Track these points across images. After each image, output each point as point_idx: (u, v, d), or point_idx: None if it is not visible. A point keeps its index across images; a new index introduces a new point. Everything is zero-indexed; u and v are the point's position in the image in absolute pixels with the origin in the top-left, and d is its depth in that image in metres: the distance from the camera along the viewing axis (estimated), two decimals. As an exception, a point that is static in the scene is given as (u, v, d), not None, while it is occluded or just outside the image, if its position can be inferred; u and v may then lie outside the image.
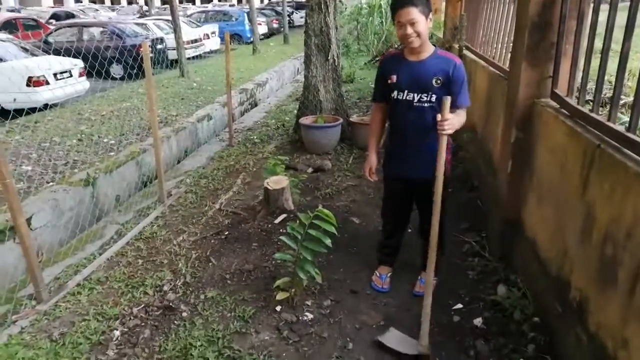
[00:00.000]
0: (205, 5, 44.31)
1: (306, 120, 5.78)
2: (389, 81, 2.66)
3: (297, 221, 2.84)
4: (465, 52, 5.49)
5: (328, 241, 2.74)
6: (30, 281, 3.12)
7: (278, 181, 4.07)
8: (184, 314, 2.90)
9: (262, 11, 24.85)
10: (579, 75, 2.48)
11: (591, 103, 2.30)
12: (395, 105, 2.69)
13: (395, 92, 2.65)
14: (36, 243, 3.55)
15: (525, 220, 2.97)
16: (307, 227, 2.75)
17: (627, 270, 1.74)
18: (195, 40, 14.78)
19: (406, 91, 2.62)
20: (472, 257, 3.37)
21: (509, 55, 3.47)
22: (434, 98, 2.55)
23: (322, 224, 2.72)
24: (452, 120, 2.39)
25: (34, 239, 3.48)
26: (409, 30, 2.43)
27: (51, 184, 4.34)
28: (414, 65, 2.59)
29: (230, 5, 42.21)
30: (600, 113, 2.24)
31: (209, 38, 15.92)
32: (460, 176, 4.71)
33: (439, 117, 2.37)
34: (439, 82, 2.54)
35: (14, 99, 7.06)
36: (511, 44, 3.41)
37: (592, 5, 2.40)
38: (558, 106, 2.64)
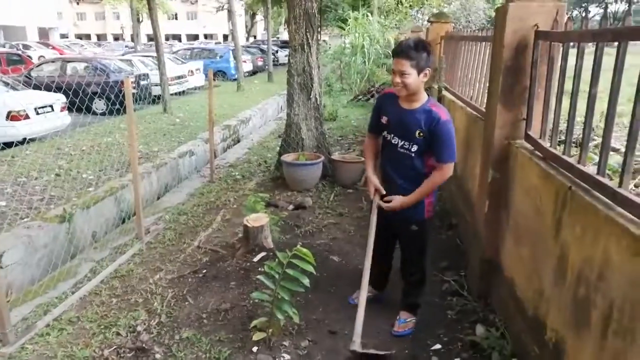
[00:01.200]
0: (192, 42, 45.04)
1: (288, 157, 5.82)
2: (382, 120, 2.80)
3: (276, 260, 2.81)
4: (445, 92, 5.64)
5: (306, 281, 2.71)
6: (-3, 322, 3.00)
7: (258, 219, 4.05)
8: (157, 356, 2.80)
9: (247, 49, 25.33)
10: (551, 117, 2.56)
11: (563, 145, 2.37)
12: (384, 142, 2.84)
13: (385, 132, 2.80)
14: (6, 281, 3.44)
15: (503, 259, 2.99)
16: (285, 266, 2.73)
17: (600, 312, 1.76)
18: (180, 77, 14.92)
19: (393, 134, 2.73)
20: (451, 296, 3.36)
21: (485, 96, 3.58)
22: (414, 148, 2.65)
23: (300, 263, 2.70)
24: (396, 201, 2.66)
25: (4, 277, 3.37)
26: (398, 79, 2.54)
27: (25, 220, 4.25)
28: (403, 112, 2.68)
29: (216, 43, 42.99)
30: (572, 155, 2.31)
31: (193, 74, 16.09)
32: (440, 214, 4.74)
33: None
34: (421, 134, 2.62)
35: (-8, 133, 6.99)
36: (487, 86, 3.52)
37: (561, 50, 2.51)
38: (532, 148, 2.71)
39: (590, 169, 2.07)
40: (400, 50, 2.52)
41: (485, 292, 3.18)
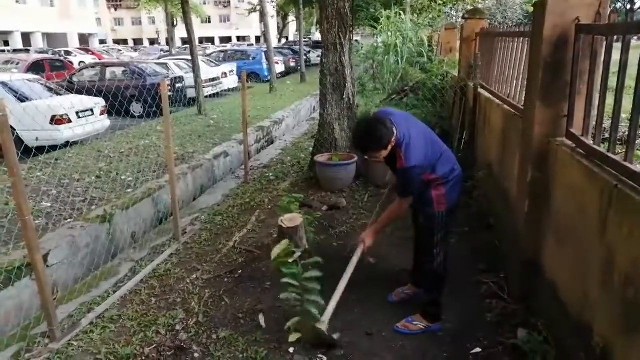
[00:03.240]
0: (225, 44, 45.71)
1: (321, 157, 5.82)
2: None
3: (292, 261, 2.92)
4: (480, 90, 5.52)
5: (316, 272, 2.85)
6: (44, 319, 3.12)
7: (292, 219, 4.06)
8: (196, 355, 2.86)
9: (280, 50, 25.49)
10: (594, 114, 2.47)
11: (607, 142, 2.28)
12: None
13: None
14: (52, 280, 3.57)
15: (544, 261, 2.90)
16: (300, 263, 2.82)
17: (652, 317, 1.68)
18: (214, 79, 15.15)
19: None
20: (491, 299, 3.28)
21: (524, 93, 3.48)
22: None
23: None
24: (367, 239, 2.97)
25: (50, 276, 3.50)
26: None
27: (69, 220, 4.40)
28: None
29: (249, 45, 43.49)
30: (617, 152, 2.22)
31: (226, 76, 16.30)
32: (476, 215, 4.65)
33: None
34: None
35: (36, 138, 7.26)
36: (525, 83, 3.42)
37: (604, 44, 2.41)
38: (574, 145, 2.61)
39: (638, 167, 1.98)
40: (361, 150, 2.82)
41: (526, 294, 3.09)
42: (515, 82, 4.12)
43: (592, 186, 2.23)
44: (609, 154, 2.19)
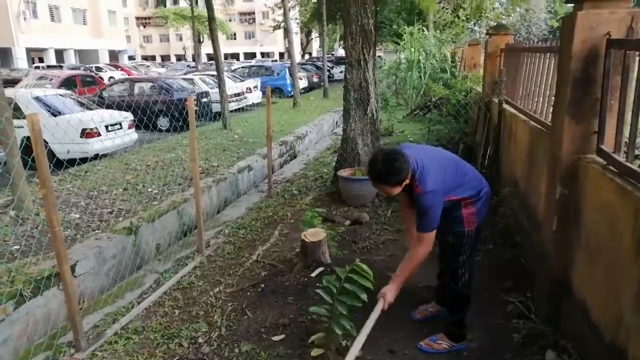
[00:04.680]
0: (249, 60, 46.47)
1: (344, 172, 5.82)
2: None
3: (334, 275, 2.80)
4: (505, 106, 5.46)
5: (364, 295, 2.67)
6: (70, 328, 3.17)
7: (315, 233, 4.06)
8: (218, 368, 2.85)
9: (303, 66, 25.77)
10: (627, 130, 2.41)
11: (641, 160, 2.22)
12: None
13: None
14: (78, 290, 3.63)
15: (573, 281, 2.82)
16: (343, 280, 2.71)
17: (691, 341, 1.61)
18: (238, 94, 15.37)
19: None
20: (517, 319, 3.20)
21: (551, 109, 3.43)
22: None
23: (359, 278, 2.67)
24: (389, 294, 2.64)
25: (77, 286, 3.56)
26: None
27: (96, 231, 4.48)
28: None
29: (272, 61, 44.10)
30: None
31: (251, 92, 16.53)
32: (502, 232, 4.57)
33: None
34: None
35: (68, 150, 7.46)
36: (552, 98, 3.37)
37: (637, 59, 2.37)
38: (605, 163, 2.55)
39: (674, 186, 1.92)
40: (376, 180, 2.57)
41: (555, 315, 3.00)
42: (542, 97, 4.07)
43: (625, 204, 2.17)
44: (643, 172, 2.13)
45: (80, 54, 42.38)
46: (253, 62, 38.26)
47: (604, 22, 2.59)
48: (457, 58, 13.62)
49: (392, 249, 4.45)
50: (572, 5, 2.85)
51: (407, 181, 2.54)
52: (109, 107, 10.06)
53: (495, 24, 10.64)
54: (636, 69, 2.34)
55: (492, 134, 5.90)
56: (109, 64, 33.38)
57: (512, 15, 19.50)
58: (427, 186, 2.53)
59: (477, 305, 3.17)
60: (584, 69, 2.69)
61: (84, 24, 42.54)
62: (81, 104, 9.10)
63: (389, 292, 2.67)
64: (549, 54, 3.88)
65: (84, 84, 15.62)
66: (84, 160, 6.21)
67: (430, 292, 3.46)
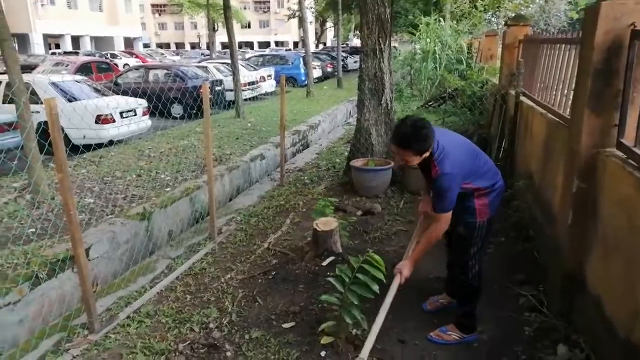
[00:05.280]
0: (263, 49, 46.39)
1: (357, 162, 5.80)
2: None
3: (346, 264, 2.80)
4: (522, 98, 5.38)
5: (376, 287, 2.67)
6: (84, 310, 3.21)
7: (327, 223, 4.05)
8: (228, 354, 2.88)
9: (317, 55, 25.62)
10: (648, 124, 2.36)
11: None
12: None
13: None
14: (92, 273, 3.68)
15: (588, 275, 2.78)
16: (355, 270, 2.71)
17: None
18: (252, 83, 15.35)
19: None
20: (529, 312, 3.17)
21: (569, 102, 3.37)
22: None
23: (371, 269, 2.67)
24: (405, 270, 2.68)
25: (91, 269, 3.61)
26: (399, 159, 2.66)
27: (110, 216, 4.53)
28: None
29: (287, 50, 43.98)
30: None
31: (265, 80, 16.50)
32: (515, 225, 4.52)
33: None
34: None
35: (84, 136, 7.54)
36: (572, 91, 3.31)
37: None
38: (625, 156, 2.50)
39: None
40: (400, 144, 2.53)
41: (567, 309, 2.98)
42: (561, 90, 4.00)
43: (644, 199, 2.13)
44: (664, 166, 2.09)
45: (96, 40, 42.67)
46: (267, 51, 38.18)
47: (629, 13, 2.53)
48: (473, 49, 13.43)
49: (403, 240, 4.42)
50: (596, -5, 2.78)
51: (427, 154, 2.53)
52: (124, 93, 10.11)
53: (513, 14, 10.46)
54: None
55: (507, 127, 5.83)
56: (123, 51, 33.57)
57: (531, 6, 19.17)
58: (445, 168, 2.52)
59: (488, 297, 3.15)
60: (606, 60, 2.63)
61: (100, 11, 42.78)
62: (96, 90, 9.16)
63: (405, 268, 2.71)
64: (569, 45, 3.81)
65: (100, 71, 15.72)
66: (98, 145, 6.27)
67: (440, 283, 3.45)
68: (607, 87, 2.66)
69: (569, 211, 2.94)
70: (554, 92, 4.21)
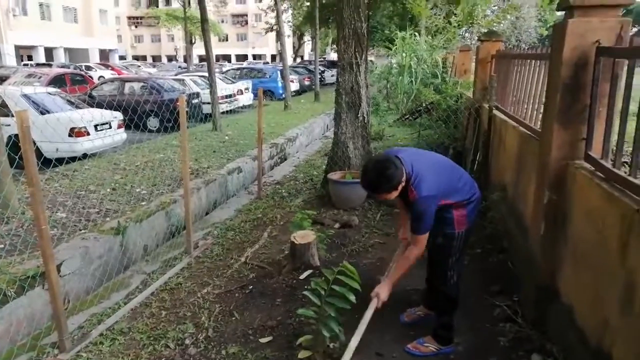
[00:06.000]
0: (241, 62, 46.39)
1: (335, 175, 5.82)
2: None
3: (322, 277, 2.80)
4: (495, 112, 5.51)
5: (352, 297, 2.68)
6: (54, 329, 3.13)
7: (305, 236, 4.05)
8: (204, 370, 2.83)
9: (295, 69, 25.73)
10: (614, 137, 2.44)
11: (627, 166, 2.24)
12: None
13: None
14: (64, 290, 3.59)
15: (560, 285, 2.84)
16: (331, 282, 2.71)
17: (675, 346, 1.63)
18: (230, 96, 15.30)
19: None
20: (504, 322, 3.22)
21: (540, 115, 3.46)
22: None
23: (346, 279, 2.68)
24: (382, 292, 2.72)
25: (62, 286, 3.52)
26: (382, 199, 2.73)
27: (83, 231, 4.43)
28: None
29: (264, 63, 44.07)
30: (638, 176, 2.18)
31: (242, 94, 16.47)
32: (490, 237, 4.59)
33: None
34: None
35: (57, 149, 7.38)
36: (542, 105, 3.40)
37: (625, 68, 2.40)
38: (593, 169, 2.58)
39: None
40: (371, 191, 2.64)
41: (541, 319, 3.03)
42: (532, 104, 4.10)
43: (612, 210, 2.19)
44: (630, 178, 2.16)
45: (71, 52, 42.00)
46: (245, 64, 38.17)
47: (593, 30, 2.62)
48: (448, 64, 13.70)
49: (381, 252, 4.45)
50: (564, 13, 2.88)
51: (403, 184, 2.56)
52: (98, 106, 9.95)
53: (486, 30, 10.72)
54: (624, 76, 2.37)
55: (481, 140, 5.94)
56: (99, 63, 33.10)
57: (502, 22, 19.68)
58: (422, 191, 2.55)
59: (464, 308, 3.18)
60: (573, 75, 2.72)
61: (75, 22, 42.15)
62: (70, 103, 8.99)
63: (382, 291, 2.73)
64: (539, 60, 3.92)
65: (74, 83, 15.47)
66: (72, 159, 6.15)
67: (418, 295, 3.47)
68: (575, 102, 2.75)
69: (541, 222, 3.00)
70: (526, 106, 4.32)
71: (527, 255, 3.32)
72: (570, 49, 2.69)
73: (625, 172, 2.25)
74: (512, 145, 4.52)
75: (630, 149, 2.25)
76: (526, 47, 7.50)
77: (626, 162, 2.68)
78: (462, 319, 3.13)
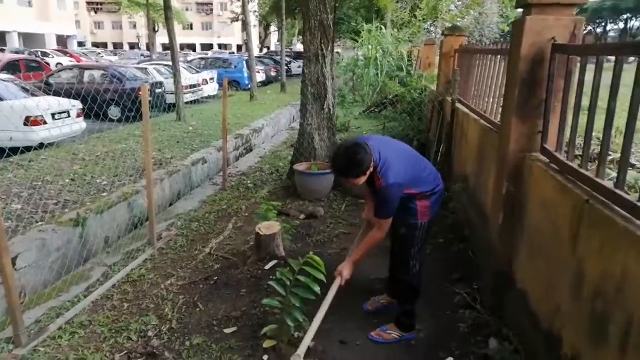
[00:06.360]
0: (206, 52, 45.57)
1: (300, 166, 5.83)
2: None
3: (287, 267, 2.82)
4: (458, 105, 5.63)
5: (317, 288, 2.71)
6: (9, 323, 3.02)
7: (270, 226, 4.05)
8: (168, 362, 2.81)
9: (261, 59, 25.50)
10: (568, 131, 2.55)
11: (580, 158, 2.35)
12: None
13: None
14: (19, 284, 3.47)
15: (516, 272, 2.96)
16: (296, 273, 2.73)
17: (618, 326, 1.73)
18: (194, 85, 15.05)
19: None
20: (464, 309, 3.32)
21: (500, 109, 3.57)
22: None
23: (311, 270, 2.70)
24: (345, 271, 2.81)
25: (17, 279, 3.41)
26: (350, 184, 2.78)
27: (40, 223, 4.29)
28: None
29: (230, 53, 43.45)
30: (589, 168, 2.29)
31: (207, 83, 16.23)
32: (452, 226, 4.72)
33: None
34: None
35: (10, 138, 7.09)
36: (502, 99, 3.51)
37: (578, 64, 2.50)
38: (548, 161, 2.69)
39: (609, 183, 2.05)
40: (340, 175, 2.74)
41: (499, 305, 3.14)
42: (492, 97, 4.22)
43: (564, 200, 2.29)
44: (581, 170, 2.26)
45: (25, 37, 40.13)
46: (210, 53, 37.53)
47: (549, 28, 2.72)
48: (413, 57, 13.87)
49: (345, 243, 4.50)
50: (522, 10, 2.97)
51: (371, 169, 2.62)
52: (56, 94, 9.60)
53: (450, 25, 10.90)
54: (577, 73, 2.47)
55: (444, 132, 6.07)
56: (56, 49, 31.84)
57: (466, 17, 20.05)
58: (389, 179, 2.61)
59: (426, 296, 3.26)
60: (530, 71, 2.82)
61: (29, 6, 40.29)
62: (25, 90, 8.65)
63: (345, 269, 2.82)
64: (499, 56, 4.03)
65: (29, 69, 14.84)
66: (27, 149, 5.92)
67: (381, 284, 3.53)
68: (532, 96, 2.85)
69: (499, 212, 3.11)
70: (486, 100, 4.44)
71: (486, 244, 3.43)
72: (527, 45, 2.78)
73: (578, 164, 2.35)
74: (473, 138, 4.64)
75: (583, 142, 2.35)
76: (489, 42, 7.69)
77: (579, 155, 2.80)
78: (423, 307, 3.21)
